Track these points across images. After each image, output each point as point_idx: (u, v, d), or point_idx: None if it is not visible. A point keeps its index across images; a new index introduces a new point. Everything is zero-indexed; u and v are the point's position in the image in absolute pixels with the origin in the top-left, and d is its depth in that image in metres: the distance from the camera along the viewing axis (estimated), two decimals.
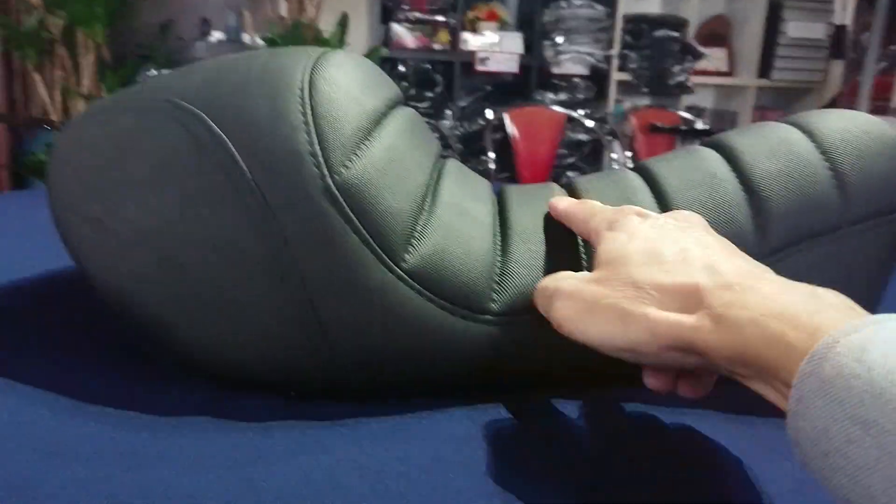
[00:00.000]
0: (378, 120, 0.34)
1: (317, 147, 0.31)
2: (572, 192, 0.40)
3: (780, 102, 3.36)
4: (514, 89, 3.08)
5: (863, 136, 0.38)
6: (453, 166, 0.41)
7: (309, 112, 0.31)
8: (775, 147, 0.38)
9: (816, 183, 0.37)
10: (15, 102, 2.38)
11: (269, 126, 0.31)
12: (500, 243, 0.37)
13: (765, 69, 3.20)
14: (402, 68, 2.94)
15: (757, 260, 0.29)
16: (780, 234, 0.37)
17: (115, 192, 0.34)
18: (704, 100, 3.36)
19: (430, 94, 2.99)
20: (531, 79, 3.03)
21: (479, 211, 0.37)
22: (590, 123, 2.81)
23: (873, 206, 0.38)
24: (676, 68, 3.03)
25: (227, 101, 0.32)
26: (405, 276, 0.33)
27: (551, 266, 0.36)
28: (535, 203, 0.39)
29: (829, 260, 0.38)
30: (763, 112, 3.23)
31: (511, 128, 2.66)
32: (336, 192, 0.31)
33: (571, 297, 0.30)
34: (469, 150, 2.92)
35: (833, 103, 2.96)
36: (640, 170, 0.41)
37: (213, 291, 0.33)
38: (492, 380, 0.36)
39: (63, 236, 0.36)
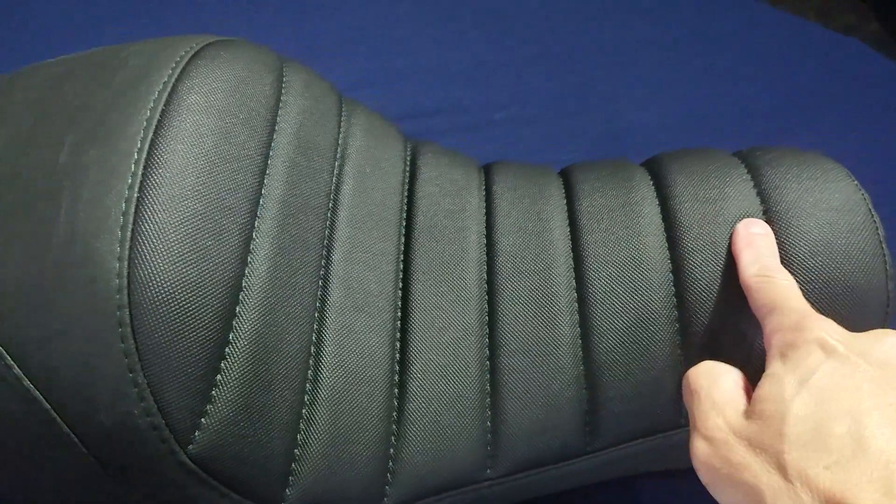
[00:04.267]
0: (235, 283, 0.26)
1: (157, 416, 0.23)
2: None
3: None
4: None
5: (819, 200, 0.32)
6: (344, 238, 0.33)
7: (133, 351, 0.23)
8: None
9: None
10: None
11: (86, 379, 0.23)
12: (397, 396, 0.31)
13: None
14: None
15: None
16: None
17: None
18: None
19: None
20: None
21: (374, 336, 0.31)
22: None
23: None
24: None
25: (27, 322, 0.23)
26: None
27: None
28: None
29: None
30: None
31: None
32: (193, 466, 0.25)
33: (712, 446, 0.24)
34: None
35: None
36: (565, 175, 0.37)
37: None
38: None
39: None
